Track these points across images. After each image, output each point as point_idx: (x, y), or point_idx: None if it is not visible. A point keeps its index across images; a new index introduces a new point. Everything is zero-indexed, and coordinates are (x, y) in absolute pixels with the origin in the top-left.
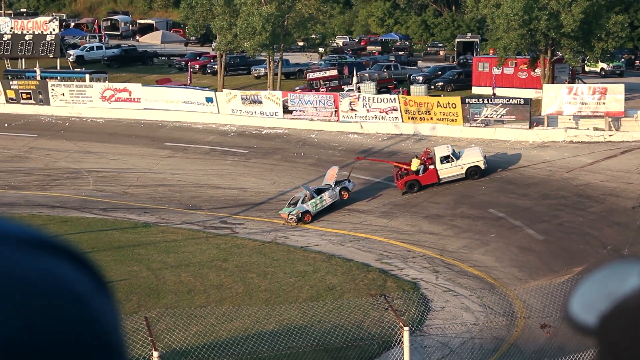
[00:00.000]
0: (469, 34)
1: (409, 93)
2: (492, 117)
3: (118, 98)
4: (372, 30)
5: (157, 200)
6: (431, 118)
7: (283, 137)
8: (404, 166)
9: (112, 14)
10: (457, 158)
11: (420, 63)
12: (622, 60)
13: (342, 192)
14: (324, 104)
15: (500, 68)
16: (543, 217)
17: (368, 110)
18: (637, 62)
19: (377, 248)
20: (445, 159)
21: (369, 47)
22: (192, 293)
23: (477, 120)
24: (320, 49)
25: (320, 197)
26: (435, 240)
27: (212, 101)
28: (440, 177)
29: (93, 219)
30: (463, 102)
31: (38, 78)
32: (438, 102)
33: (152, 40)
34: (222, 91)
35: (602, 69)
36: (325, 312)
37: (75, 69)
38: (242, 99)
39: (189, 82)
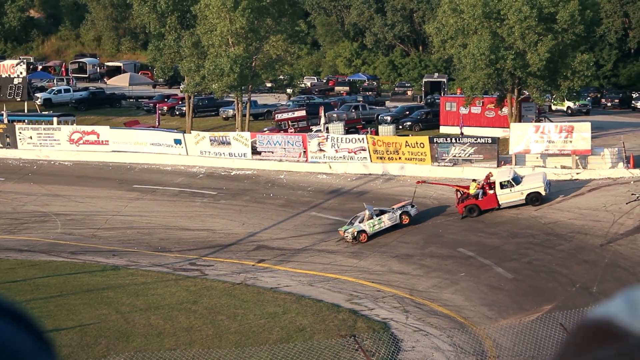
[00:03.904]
0: (436, 74)
1: (377, 133)
2: (460, 157)
3: (86, 141)
4: (339, 70)
5: (126, 242)
6: (399, 158)
7: (252, 178)
8: (464, 190)
9: (80, 57)
10: (518, 183)
11: (388, 103)
12: (588, 98)
13: (403, 216)
14: (292, 145)
15: (467, 107)
16: (512, 256)
17: (337, 151)
18: (603, 100)
19: (347, 288)
20: (505, 184)
21: (337, 88)
22: (162, 336)
23: (445, 159)
24: (289, 90)
25: (379, 219)
26: (405, 279)
27: (180, 143)
28: (500, 202)
29: (61, 262)
30: (431, 141)
31: (5, 121)
32: (406, 141)
33: (120, 83)
34: (190, 133)
35: (568, 107)
36: (295, 353)
37: (43, 112)
38: (210, 141)
39: (157, 124)
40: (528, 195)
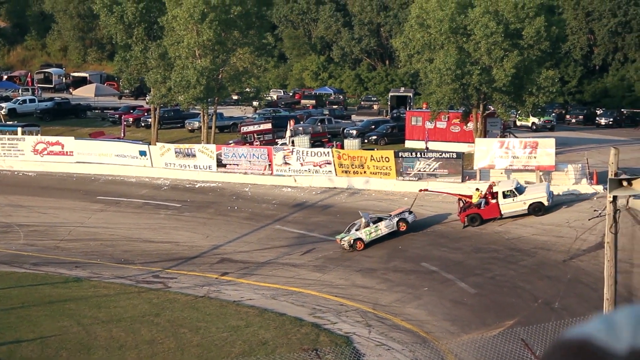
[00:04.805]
0: (403, 88)
1: (342, 147)
2: (425, 171)
3: (50, 151)
4: (306, 83)
5: (89, 254)
6: (365, 172)
7: (217, 191)
8: (466, 198)
9: (46, 67)
10: (521, 193)
11: (354, 117)
12: (553, 114)
13: (400, 223)
14: (257, 158)
15: (433, 122)
16: (475, 271)
17: (302, 164)
18: (568, 116)
19: (310, 302)
20: (508, 194)
21: (303, 101)
22: (124, 349)
23: (410, 173)
24: (255, 103)
25: (376, 226)
26: (368, 294)
27: (145, 154)
28: (502, 212)
29: (23, 273)
30: (396, 155)
31: None
32: (371, 155)
33: (85, 93)
34: (155, 144)
35: (533, 123)
36: None
37: (7, 122)
38: (175, 153)
39: (122, 135)
40: (531, 205)
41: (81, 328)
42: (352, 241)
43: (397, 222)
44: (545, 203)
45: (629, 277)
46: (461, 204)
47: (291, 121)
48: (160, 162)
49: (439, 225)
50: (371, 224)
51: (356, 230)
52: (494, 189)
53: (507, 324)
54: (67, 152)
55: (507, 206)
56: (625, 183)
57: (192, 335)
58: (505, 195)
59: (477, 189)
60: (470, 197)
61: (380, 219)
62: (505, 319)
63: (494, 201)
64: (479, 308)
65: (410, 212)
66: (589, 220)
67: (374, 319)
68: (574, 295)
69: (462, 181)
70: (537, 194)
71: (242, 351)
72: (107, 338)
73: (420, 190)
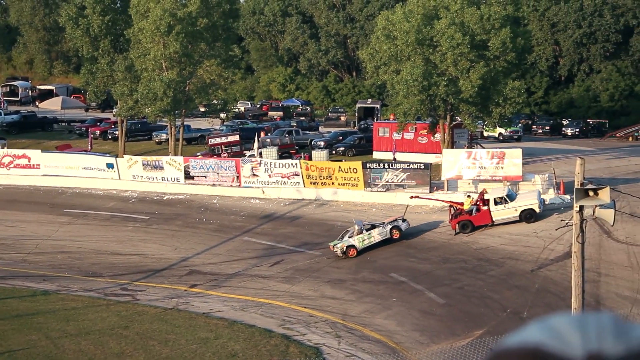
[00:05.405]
0: (370, 100)
1: (310, 158)
2: (393, 182)
3: (17, 164)
4: (273, 95)
5: (57, 267)
6: (333, 183)
7: (185, 203)
8: (458, 205)
9: (11, 80)
10: (512, 200)
11: (321, 128)
12: (520, 125)
13: (393, 231)
14: (225, 170)
15: (400, 133)
16: (444, 281)
17: (270, 176)
18: (534, 127)
19: (280, 313)
20: (499, 201)
21: (270, 113)
22: None
23: (378, 185)
24: (222, 115)
25: (369, 234)
26: (337, 305)
27: (112, 167)
28: (494, 218)
29: None
30: (364, 167)
31: None
32: (339, 167)
33: (52, 106)
34: (123, 157)
35: (500, 133)
36: None
37: None
38: (143, 165)
39: (89, 148)
40: (522, 212)
41: (49, 341)
42: (344, 248)
43: (390, 229)
44: (537, 210)
45: (597, 286)
46: (452, 211)
47: (262, 132)
48: (127, 175)
49: (409, 235)
50: (364, 231)
51: (349, 237)
52: (485, 196)
53: (476, 334)
54: (33, 165)
55: (499, 213)
56: (591, 193)
57: (161, 347)
58: (496, 202)
59: (469, 196)
60: (462, 204)
61: (373, 227)
62: (474, 329)
63: (485, 208)
64: (448, 318)
65: (404, 220)
66: (556, 230)
67: (344, 329)
68: (542, 304)
69: (430, 192)
70: (528, 200)
71: None
72: (75, 351)
73: (411, 197)
